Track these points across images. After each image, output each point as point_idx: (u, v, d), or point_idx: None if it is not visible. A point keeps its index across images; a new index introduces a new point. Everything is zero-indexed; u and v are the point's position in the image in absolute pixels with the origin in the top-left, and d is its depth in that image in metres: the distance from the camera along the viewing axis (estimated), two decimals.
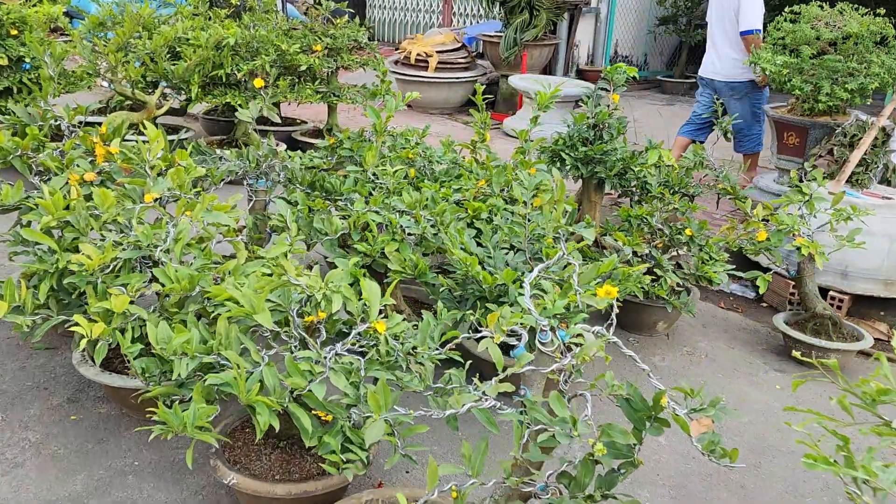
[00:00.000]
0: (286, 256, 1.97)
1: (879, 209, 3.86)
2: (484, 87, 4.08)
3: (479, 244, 3.01)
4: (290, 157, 3.44)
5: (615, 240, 3.27)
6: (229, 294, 1.94)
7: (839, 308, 3.80)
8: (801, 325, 3.44)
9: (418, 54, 7.77)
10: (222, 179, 3.10)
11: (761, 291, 3.28)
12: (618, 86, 3.92)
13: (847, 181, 4.25)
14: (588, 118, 3.78)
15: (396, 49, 8.86)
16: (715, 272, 3.15)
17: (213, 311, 2.31)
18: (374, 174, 3.14)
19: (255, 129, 3.20)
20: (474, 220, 3.21)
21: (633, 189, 3.87)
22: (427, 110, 8.06)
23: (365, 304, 2.05)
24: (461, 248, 2.79)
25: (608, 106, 3.91)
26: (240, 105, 5.13)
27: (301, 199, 3.14)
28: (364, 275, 2.80)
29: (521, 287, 2.44)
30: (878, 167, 4.29)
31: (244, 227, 3.12)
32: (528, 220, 2.85)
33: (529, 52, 7.68)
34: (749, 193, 3.92)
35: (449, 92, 7.86)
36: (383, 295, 2.11)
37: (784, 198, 3.54)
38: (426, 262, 2.82)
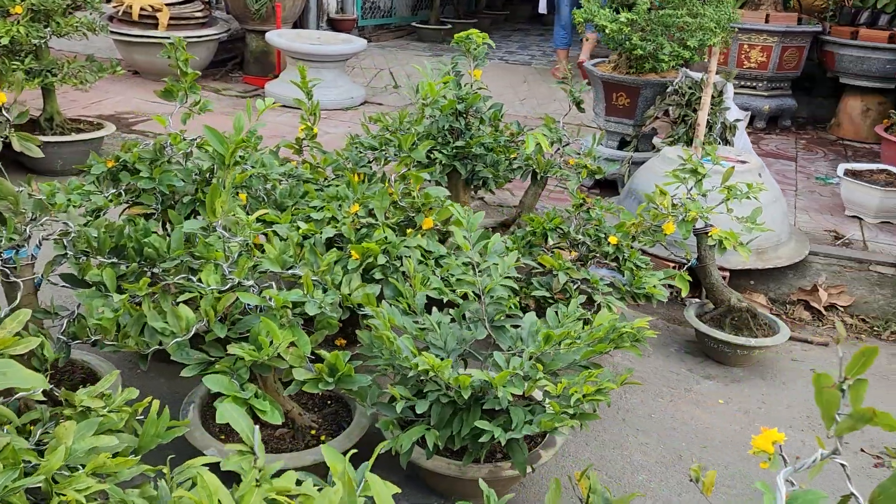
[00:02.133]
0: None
1: (741, 175, 3.68)
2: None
3: (393, 304, 2.16)
4: (61, 200, 2.22)
5: (540, 264, 2.61)
6: None
7: None
8: (718, 320, 3.13)
9: (142, 9, 6.22)
10: None
11: (683, 294, 2.87)
12: (478, 59, 3.20)
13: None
14: (457, 104, 3.02)
15: (108, 1, 7.10)
16: (654, 287, 2.65)
17: None
18: (224, 227, 2.09)
19: None
20: (370, 270, 2.33)
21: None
22: (160, 78, 6.56)
23: None
24: (393, 329, 1.93)
25: (472, 86, 3.18)
26: None
27: (109, 279, 2.01)
28: (256, 395, 1.84)
29: (508, 390, 1.71)
30: (717, 127, 4.13)
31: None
32: (478, 274, 2.07)
33: (282, 2, 6.55)
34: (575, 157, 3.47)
35: None
36: None
37: (674, 177, 3.15)
38: (342, 357, 1.91)
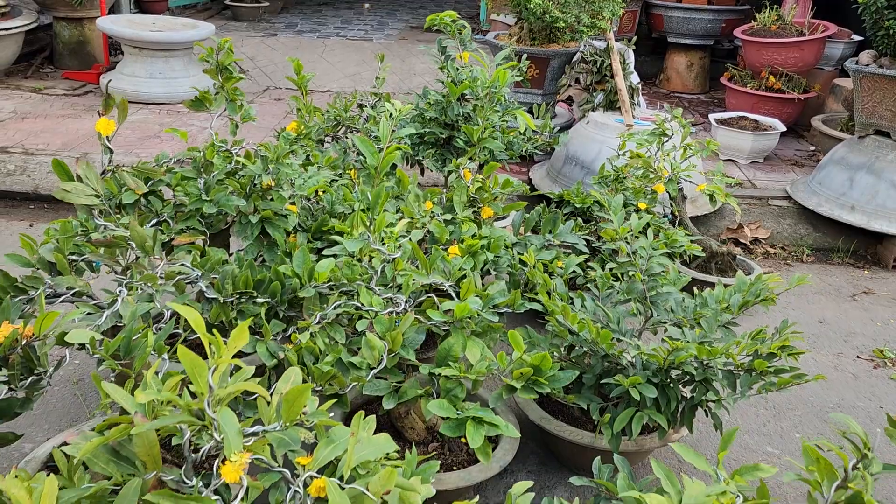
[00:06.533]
0: None
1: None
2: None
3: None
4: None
5: (598, 237, 2.70)
6: None
7: None
8: (703, 266, 3.46)
9: None
10: None
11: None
12: (465, 42, 3.17)
13: (614, 109, 4.33)
14: (469, 87, 2.95)
15: None
16: (690, 244, 2.87)
17: None
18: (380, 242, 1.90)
19: None
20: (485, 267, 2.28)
21: None
22: None
23: None
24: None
25: (458, 69, 3.13)
26: None
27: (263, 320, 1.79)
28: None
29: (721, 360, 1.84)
30: (627, 90, 4.45)
31: None
32: (633, 256, 2.12)
33: None
34: None
35: None
36: None
37: (643, 141, 3.40)
38: (548, 357, 1.87)
